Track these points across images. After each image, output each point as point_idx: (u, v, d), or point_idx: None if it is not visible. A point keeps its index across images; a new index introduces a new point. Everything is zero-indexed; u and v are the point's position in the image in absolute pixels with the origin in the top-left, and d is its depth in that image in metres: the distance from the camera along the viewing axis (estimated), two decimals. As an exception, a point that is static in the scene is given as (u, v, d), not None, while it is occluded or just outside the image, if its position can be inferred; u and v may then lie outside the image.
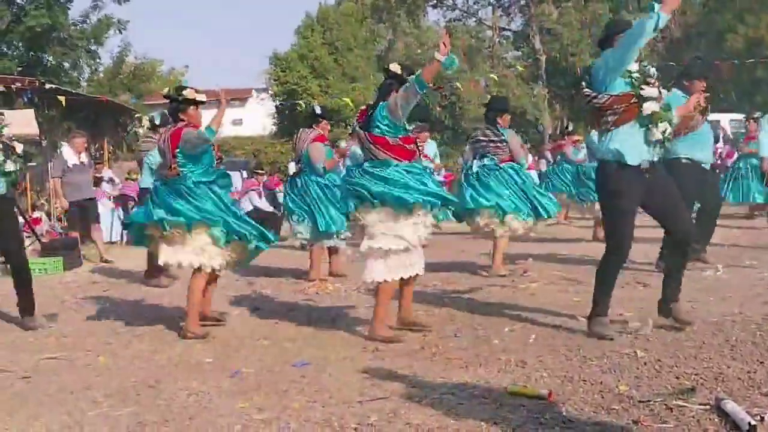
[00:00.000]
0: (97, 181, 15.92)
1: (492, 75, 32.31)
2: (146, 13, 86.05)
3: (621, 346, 5.60)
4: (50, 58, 27.64)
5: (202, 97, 7.08)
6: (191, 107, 7.09)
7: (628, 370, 5.04)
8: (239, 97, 55.02)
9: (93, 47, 28.95)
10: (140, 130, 30.23)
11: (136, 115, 26.36)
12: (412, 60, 35.62)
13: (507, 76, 35.63)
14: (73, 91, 23.00)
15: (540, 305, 7.36)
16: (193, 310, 6.88)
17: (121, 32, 29.50)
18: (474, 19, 40.61)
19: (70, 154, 12.64)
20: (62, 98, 18.91)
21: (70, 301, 8.86)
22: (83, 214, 12.62)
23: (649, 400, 4.37)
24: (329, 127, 10.30)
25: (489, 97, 13.99)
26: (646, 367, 5.09)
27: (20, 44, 26.88)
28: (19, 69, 25.19)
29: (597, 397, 4.53)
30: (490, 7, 39.90)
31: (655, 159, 5.95)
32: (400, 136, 6.35)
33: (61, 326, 7.56)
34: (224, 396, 5.03)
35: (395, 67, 6.67)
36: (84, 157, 12.79)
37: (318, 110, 10.46)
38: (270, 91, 45.48)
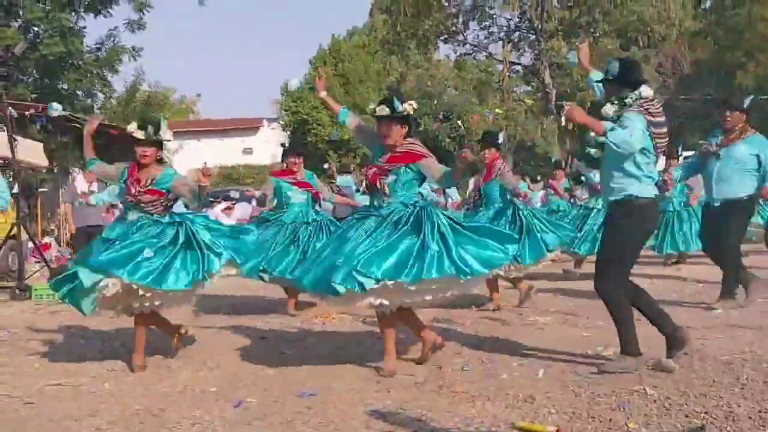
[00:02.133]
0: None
1: (497, 110, 32.39)
2: (159, 42, 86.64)
3: (630, 383, 5.54)
4: (64, 86, 27.79)
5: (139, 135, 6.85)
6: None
7: (637, 407, 4.98)
8: (250, 126, 55.40)
9: (107, 74, 29.11)
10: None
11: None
12: (422, 92, 35.79)
13: (515, 110, 35.71)
14: (86, 118, 23.10)
15: (549, 340, 7.31)
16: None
17: (135, 59, 29.67)
18: (484, 53, 40.73)
19: (82, 182, 13.00)
20: (77, 123, 19.05)
21: (75, 328, 8.84)
22: (89, 241, 12.67)
23: (658, 438, 4.32)
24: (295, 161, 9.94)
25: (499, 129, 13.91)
26: (655, 404, 5.03)
27: (35, 71, 27.05)
28: (34, 96, 25.34)
29: (605, 435, 4.49)
30: (501, 42, 40.04)
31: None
32: None
33: (66, 352, 7.54)
34: (228, 425, 4.99)
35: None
36: (95, 187, 13.10)
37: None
38: (281, 121, 45.76)
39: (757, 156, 8.43)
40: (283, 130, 43.59)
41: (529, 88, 43.11)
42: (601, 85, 6.28)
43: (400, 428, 4.74)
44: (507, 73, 38.90)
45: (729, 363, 6.06)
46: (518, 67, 41.43)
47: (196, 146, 48.19)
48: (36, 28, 26.85)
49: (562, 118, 6.36)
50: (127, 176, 6.89)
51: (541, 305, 9.56)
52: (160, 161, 6.94)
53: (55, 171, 23.90)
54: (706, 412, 4.79)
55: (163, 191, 6.84)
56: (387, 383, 5.93)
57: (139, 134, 6.78)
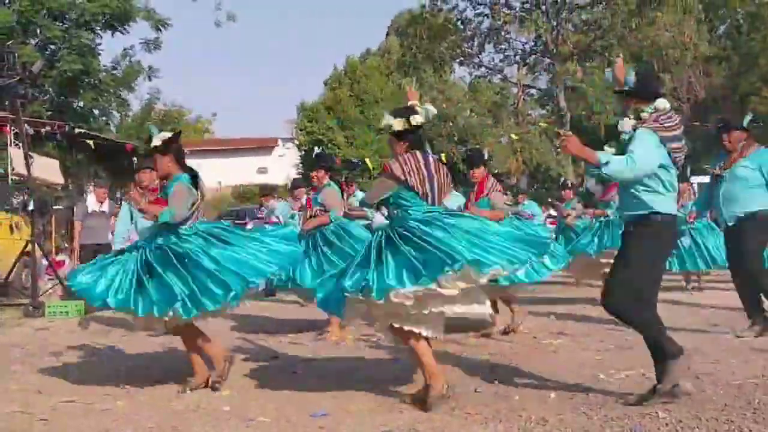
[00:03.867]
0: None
1: (513, 134, 32.36)
2: (176, 61, 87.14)
3: (642, 407, 5.53)
4: (80, 104, 27.98)
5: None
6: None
7: (649, 430, 4.98)
8: (265, 145, 55.58)
9: (123, 93, 29.30)
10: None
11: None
12: (437, 114, 35.82)
13: (529, 133, 35.70)
14: (102, 136, 23.30)
15: (561, 363, 7.31)
16: None
17: (150, 79, 29.87)
18: (499, 76, 40.82)
19: (93, 201, 13.18)
20: (90, 141, 19.18)
21: (88, 346, 8.88)
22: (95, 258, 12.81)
23: (670, 462, 4.31)
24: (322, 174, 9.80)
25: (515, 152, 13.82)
26: (667, 428, 5.02)
27: (51, 89, 27.24)
28: (49, 113, 25.53)
29: (617, 458, 4.48)
30: (516, 65, 40.11)
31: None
32: None
33: (79, 370, 7.57)
34: (241, 444, 5.00)
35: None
36: (105, 206, 13.29)
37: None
38: (296, 141, 45.86)
39: (760, 170, 8.47)
40: (299, 149, 43.68)
41: (544, 112, 43.11)
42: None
43: (412, 449, 4.74)
44: (522, 96, 38.99)
45: (741, 387, 6.04)
46: (533, 90, 41.53)
47: (212, 165, 48.41)
48: (53, 46, 27.07)
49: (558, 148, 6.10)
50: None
51: (553, 328, 9.55)
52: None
53: (70, 188, 24.05)
54: (718, 437, 4.78)
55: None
56: (400, 405, 5.92)
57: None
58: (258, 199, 20.18)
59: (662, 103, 5.80)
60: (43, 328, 10.65)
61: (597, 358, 7.39)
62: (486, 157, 9.40)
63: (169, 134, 6.87)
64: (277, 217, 13.78)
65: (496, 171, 16.55)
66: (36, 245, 12.98)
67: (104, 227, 13.38)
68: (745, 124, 8.77)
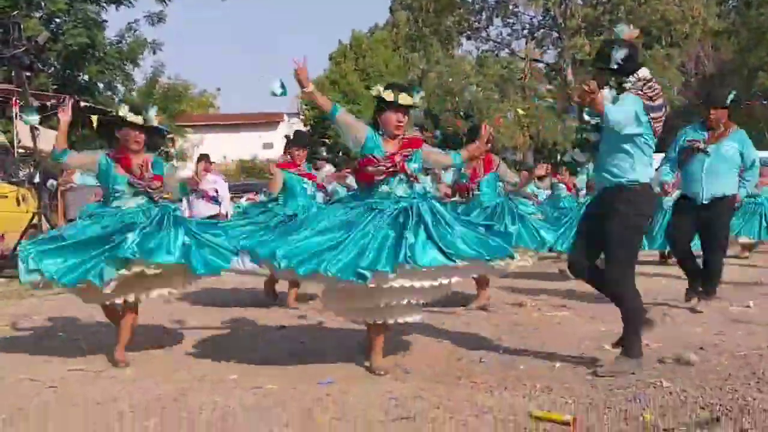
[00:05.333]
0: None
1: (519, 109, 32.24)
2: (180, 36, 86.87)
3: (647, 376, 5.56)
4: (85, 77, 27.94)
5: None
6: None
7: (653, 399, 5.01)
8: (270, 120, 55.55)
9: (128, 67, 29.23)
10: (172, 150, 30.43)
11: (168, 136, 26.57)
12: (444, 89, 35.73)
13: (536, 108, 35.58)
14: (108, 109, 23.27)
15: (567, 334, 7.35)
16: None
17: (155, 53, 29.80)
18: (507, 50, 40.71)
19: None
20: (94, 118, 19.16)
21: (95, 315, 8.91)
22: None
23: (673, 429, 4.35)
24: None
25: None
26: (671, 396, 5.06)
27: (56, 62, 27.19)
28: (54, 87, 25.49)
29: (621, 425, 4.51)
30: (524, 39, 39.99)
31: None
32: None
33: (87, 340, 7.62)
34: (248, 411, 5.04)
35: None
36: (76, 176, 13.19)
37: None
38: (301, 116, 45.81)
39: (741, 153, 8.50)
40: (304, 125, 43.65)
41: (551, 86, 43.01)
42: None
43: (419, 416, 4.78)
44: (530, 71, 38.85)
45: (745, 357, 6.08)
46: (541, 65, 41.39)
47: (217, 140, 48.42)
48: (58, 20, 26.99)
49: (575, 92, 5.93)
50: (113, 163, 6.69)
51: (557, 302, 9.58)
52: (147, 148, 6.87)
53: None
54: (721, 405, 4.81)
55: (162, 176, 6.81)
56: (406, 374, 5.95)
57: (136, 119, 6.64)
58: (264, 174, 20.01)
59: (644, 72, 5.74)
60: (51, 298, 10.68)
61: (602, 329, 7.41)
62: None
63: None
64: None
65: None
66: (43, 217, 13.00)
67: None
68: (728, 101, 8.60)
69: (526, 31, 39.19)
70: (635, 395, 5.09)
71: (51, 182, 14.28)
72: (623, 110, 5.55)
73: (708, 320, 7.80)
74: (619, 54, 5.65)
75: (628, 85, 5.68)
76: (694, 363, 5.88)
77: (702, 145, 8.46)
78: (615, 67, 5.68)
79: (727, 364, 5.90)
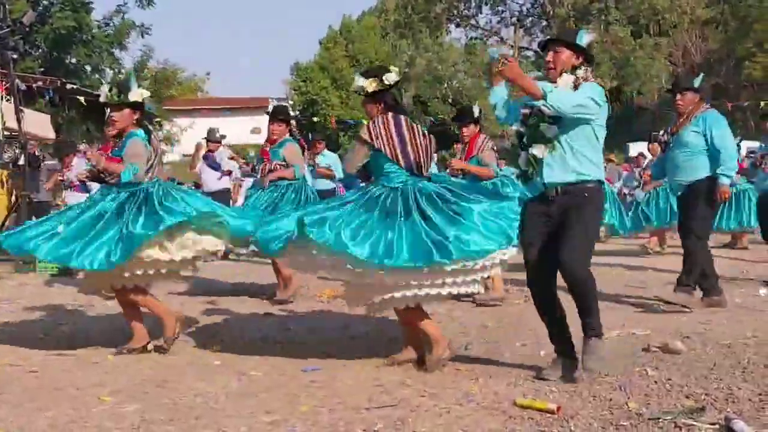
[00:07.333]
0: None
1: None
2: (170, 19, 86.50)
3: (631, 365, 5.56)
4: (73, 60, 27.81)
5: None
6: None
7: (638, 387, 5.00)
8: (259, 105, 55.38)
9: (115, 50, 29.10)
10: (160, 133, 30.29)
11: (155, 120, 26.47)
12: (432, 75, 35.72)
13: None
14: (95, 93, 23.17)
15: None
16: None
17: (143, 36, 29.67)
18: (496, 37, 40.70)
19: (82, 164, 13.04)
20: (81, 98, 19.07)
21: (79, 300, 8.86)
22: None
23: (658, 418, 4.33)
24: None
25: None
26: (656, 385, 5.05)
27: (43, 45, 27.03)
28: (41, 69, 25.36)
29: (606, 413, 4.50)
30: (513, 27, 40.01)
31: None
32: None
33: (70, 324, 7.58)
34: (232, 397, 5.02)
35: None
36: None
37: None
38: (290, 101, 45.75)
39: (705, 134, 7.83)
40: (292, 109, 43.57)
41: (540, 73, 43.01)
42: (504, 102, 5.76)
43: (403, 404, 4.76)
44: (518, 59, 38.86)
45: (731, 347, 6.08)
46: (530, 53, 41.39)
47: (205, 124, 48.23)
48: (45, 2, 26.84)
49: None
50: None
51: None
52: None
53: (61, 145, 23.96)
54: (706, 394, 4.80)
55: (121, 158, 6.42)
56: (390, 360, 5.93)
57: (105, 97, 6.41)
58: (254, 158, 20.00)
59: (591, 65, 5.55)
60: (33, 283, 10.64)
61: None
62: (477, 114, 8.92)
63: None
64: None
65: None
66: (27, 200, 12.93)
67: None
68: (696, 84, 8.11)
69: (514, 19, 39.15)
70: (620, 384, 5.08)
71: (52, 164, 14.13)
72: (586, 95, 5.21)
73: (695, 309, 7.78)
74: (587, 37, 5.49)
75: (580, 72, 5.33)
76: (682, 352, 5.87)
77: (664, 137, 8.26)
78: (585, 50, 5.40)
79: (712, 353, 5.90)
